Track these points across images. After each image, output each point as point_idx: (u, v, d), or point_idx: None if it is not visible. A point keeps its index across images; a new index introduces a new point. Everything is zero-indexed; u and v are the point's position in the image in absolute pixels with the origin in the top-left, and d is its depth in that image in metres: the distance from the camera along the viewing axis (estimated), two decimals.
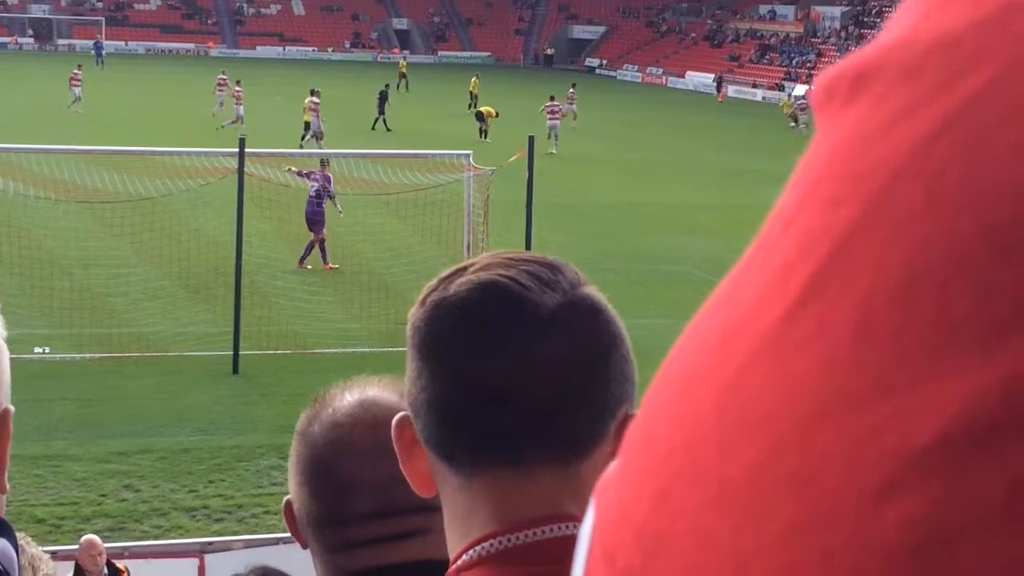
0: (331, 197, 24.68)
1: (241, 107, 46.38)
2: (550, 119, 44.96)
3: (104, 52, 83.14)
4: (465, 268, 1.44)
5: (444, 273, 1.45)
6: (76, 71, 53.09)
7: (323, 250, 24.40)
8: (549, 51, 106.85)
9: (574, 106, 53.66)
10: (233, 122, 44.31)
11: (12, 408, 1.66)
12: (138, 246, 23.25)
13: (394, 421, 1.44)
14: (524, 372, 1.36)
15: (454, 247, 21.59)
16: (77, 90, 52.08)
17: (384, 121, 49.28)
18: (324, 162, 25.47)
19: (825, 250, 0.45)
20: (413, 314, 1.42)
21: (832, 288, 0.45)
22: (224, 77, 52.51)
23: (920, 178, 0.43)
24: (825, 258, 0.45)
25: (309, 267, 24.28)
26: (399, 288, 19.87)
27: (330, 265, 24.22)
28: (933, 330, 0.41)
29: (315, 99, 42.02)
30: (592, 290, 1.45)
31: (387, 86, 52.82)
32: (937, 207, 0.42)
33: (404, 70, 71.45)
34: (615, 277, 24.99)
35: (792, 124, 59.18)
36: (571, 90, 55.66)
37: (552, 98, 46.40)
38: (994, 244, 0.40)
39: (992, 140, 0.40)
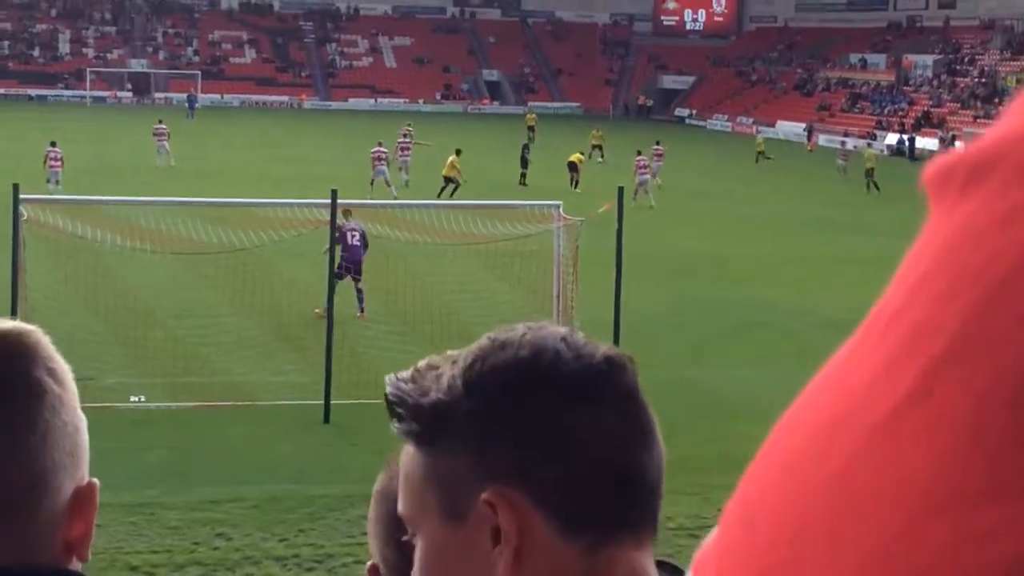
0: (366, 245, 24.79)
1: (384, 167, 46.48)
2: (640, 174, 44.65)
3: (197, 105, 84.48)
4: (559, 346, 1.44)
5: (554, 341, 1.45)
6: (159, 126, 52.44)
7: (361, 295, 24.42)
8: (648, 102, 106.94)
9: (660, 163, 50.52)
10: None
11: (97, 481, 1.71)
12: (231, 296, 23.54)
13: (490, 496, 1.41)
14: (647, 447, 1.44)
15: (543, 297, 21.64)
16: (165, 144, 51.38)
17: (524, 176, 49.17)
18: (347, 211, 25.23)
19: (938, 344, 0.44)
20: (509, 370, 1.43)
21: (946, 385, 0.43)
22: (161, 127, 51.69)
23: None
24: (938, 352, 0.44)
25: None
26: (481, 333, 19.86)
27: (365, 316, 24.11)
28: None
29: (381, 149, 43.49)
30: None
31: (529, 139, 53.36)
32: None
33: (532, 123, 70.61)
34: (702, 329, 24.88)
35: (760, 160, 60.79)
36: (656, 146, 52.35)
37: (639, 153, 46.42)
38: None
39: None
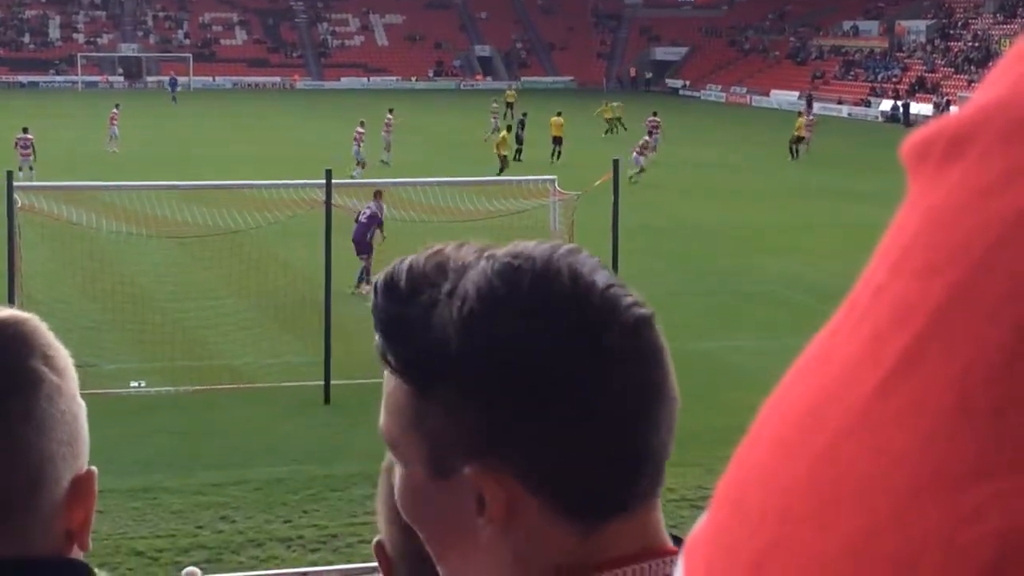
0: (379, 226, 24.74)
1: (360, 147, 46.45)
2: (638, 153, 43.61)
3: (179, 88, 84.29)
4: (584, 297, 1.26)
5: (570, 297, 1.25)
6: (114, 110, 51.97)
7: (365, 273, 24.19)
8: (647, 74, 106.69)
9: (654, 137, 49.12)
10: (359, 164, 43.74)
11: (95, 469, 1.69)
12: (228, 279, 23.55)
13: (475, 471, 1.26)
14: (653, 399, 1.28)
15: None
16: (115, 129, 50.50)
17: (520, 152, 48.76)
18: (378, 192, 25.31)
19: (920, 321, 0.44)
20: (517, 325, 1.23)
21: (928, 362, 0.43)
22: (116, 111, 51.16)
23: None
24: (920, 329, 0.44)
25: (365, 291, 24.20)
26: None
27: (361, 291, 23.79)
28: None
29: (360, 128, 43.44)
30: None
31: (524, 115, 53.12)
32: None
33: (512, 100, 69.52)
34: (703, 299, 24.89)
35: (607, 132, 58.50)
36: (652, 117, 51.77)
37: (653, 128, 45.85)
38: None
39: None
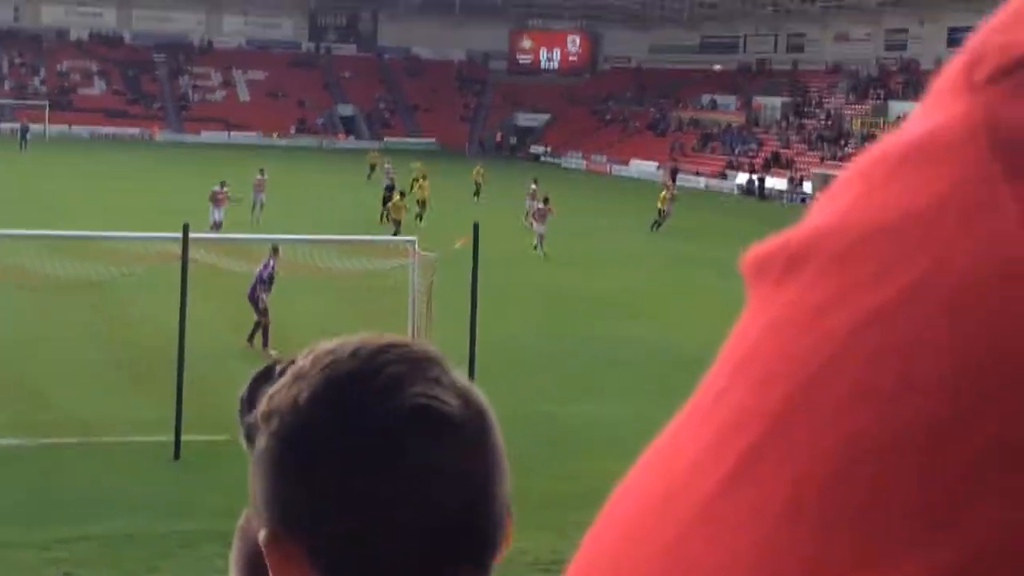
0: (259, 282, 24.57)
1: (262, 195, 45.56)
2: (536, 220, 42.86)
3: (30, 136, 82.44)
4: (361, 380, 1.32)
5: (331, 381, 1.32)
6: None
7: (256, 328, 24.16)
8: (511, 140, 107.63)
9: (536, 202, 48.30)
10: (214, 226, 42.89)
11: None
12: (79, 330, 23.07)
13: (264, 538, 1.33)
14: (453, 485, 1.30)
15: (399, 333, 21.55)
16: None
17: (385, 215, 47.95)
18: (274, 249, 25.15)
19: (758, 428, 0.46)
20: (310, 430, 1.30)
21: (764, 469, 0.46)
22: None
23: (855, 366, 0.44)
24: (758, 436, 0.46)
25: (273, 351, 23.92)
26: None
27: (269, 350, 23.78)
28: (864, 520, 0.42)
29: (217, 188, 41.88)
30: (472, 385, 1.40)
31: (392, 180, 52.48)
32: (871, 397, 0.43)
33: (374, 162, 68.36)
34: (562, 364, 25.01)
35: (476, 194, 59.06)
36: (533, 186, 51.69)
37: (546, 200, 44.22)
38: (932, 438, 0.41)
39: (926, 335, 0.42)
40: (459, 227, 26.58)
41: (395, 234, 38.55)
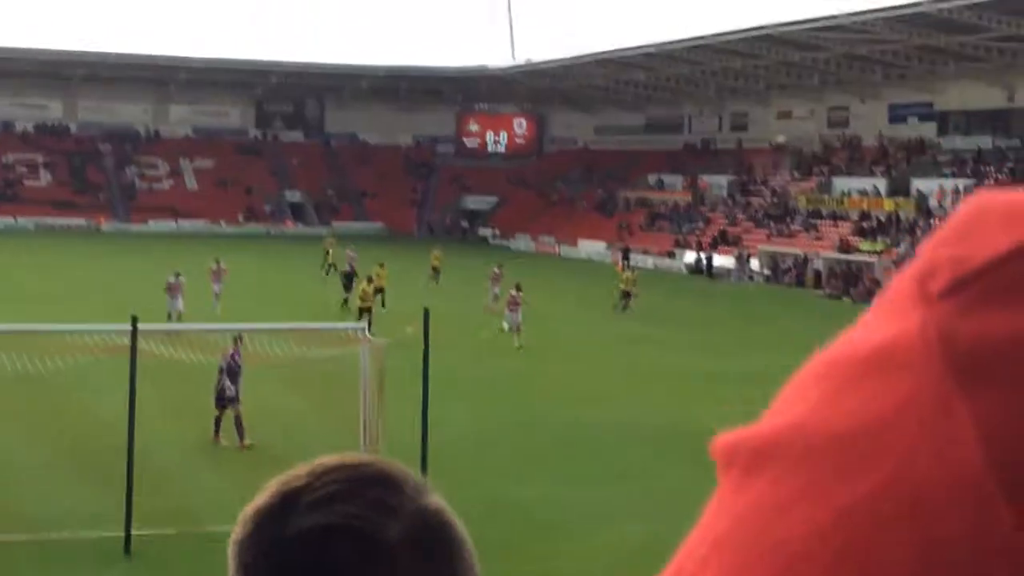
0: (221, 372, 24.27)
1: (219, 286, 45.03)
2: (509, 310, 41.44)
3: None
4: (298, 494, 1.33)
5: (273, 495, 1.34)
6: None
7: (237, 425, 23.88)
8: (463, 223, 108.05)
9: (498, 288, 49.31)
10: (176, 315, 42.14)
11: None
12: (25, 425, 22.75)
13: None
14: None
15: (350, 421, 21.44)
16: None
17: (346, 301, 47.53)
18: (236, 338, 24.82)
19: None
20: (244, 541, 1.33)
21: None
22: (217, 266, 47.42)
23: (819, 564, 0.47)
24: None
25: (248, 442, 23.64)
26: (293, 459, 19.52)
27: (244, 443, 23.59)
28: None
29: (172, 279, 41.26)
30: (438, 501, 1.37)
31: (351, 266, 51.95)
32: None
33: (330, 247, 66.40)
34: (517, 448, 24.91)
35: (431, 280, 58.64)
36: (496, 270, 51.58)
37: (517, 288, 42.47)
38: None
39: (886, 536, 0.45)
40: (418, 311, 26.54)
41: (365, 322, 37.30)
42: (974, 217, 0.51)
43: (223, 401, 23.94)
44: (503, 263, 53.71)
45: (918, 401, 0.46)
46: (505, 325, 40.45)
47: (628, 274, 53.15)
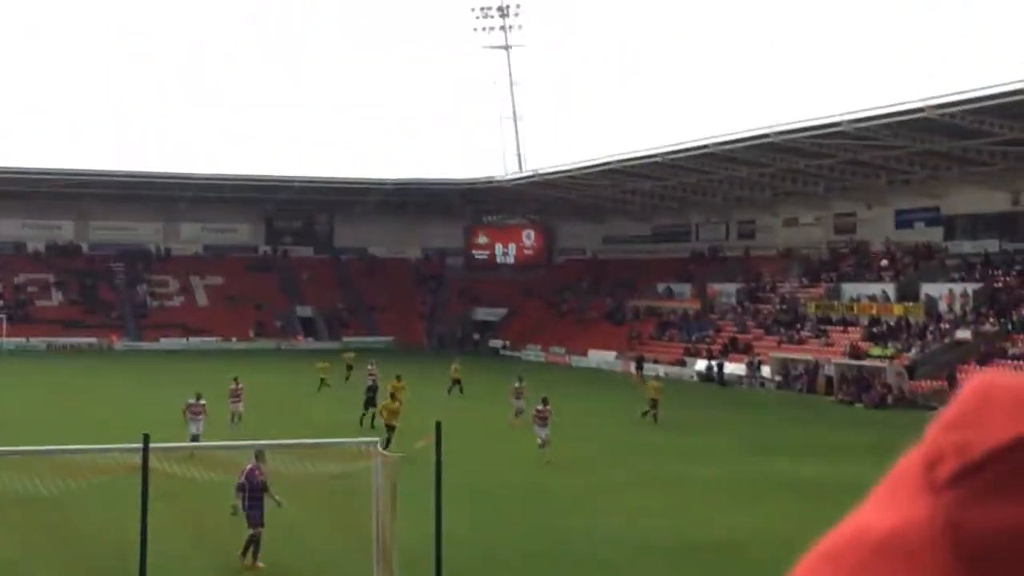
0: (238, 489, 23.94)
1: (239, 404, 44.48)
2: (537, 425, 40.02)
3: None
4: None
5: None
6: None
7: (255, 545, 23.40)
8: (475, 335, 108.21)
9: (521, 401, 48.94)
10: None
11: None
12: (33, 548, 22.60)
13: None
14: None
15: (363, 535, 21.31)
16: None
17: (372, 416, 46.37)
18: (258, 454, 24.43)
19: None
20: None
21: None
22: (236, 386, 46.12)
23: None
24: None
25: (261, 564, 23.21)
26: None
27: (257, 564, 23.23)
28: None
29: (192, 401, 39.55)
30: None
31: (374, 381, 51.09)
32: None
33: (350, 362, 68.39)
34: (530, 561, 24.70)
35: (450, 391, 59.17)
36: (518, 384, 50.67)
37: (545, 402, 40.78)
38: None
39: None
40: (448, 423, 26.46)
41: (388, 440, 36.21)
42: (979, 401, 0.51)
43: (252, 521, 23.36)
44: (523, 376, 53.40)
45: None
46: (539, 440, 39.22)
47: (654, 383, 52.82)
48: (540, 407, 40.35)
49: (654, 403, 50.69)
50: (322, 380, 62.19)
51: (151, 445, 19.09)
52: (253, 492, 23.38)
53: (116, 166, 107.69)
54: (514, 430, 45.74)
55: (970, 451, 0.49)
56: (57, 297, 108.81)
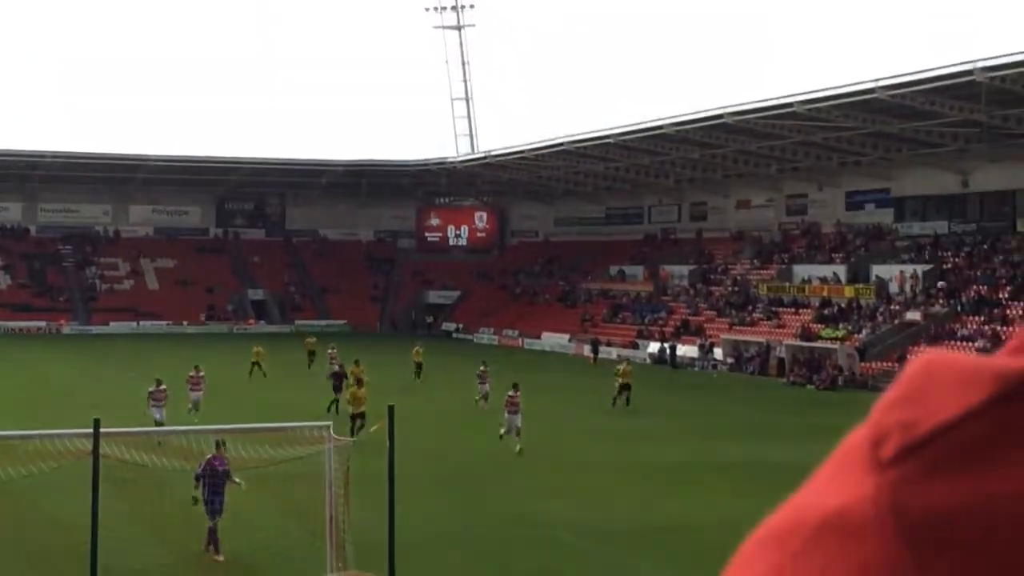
0: (197, 479, 23.55)
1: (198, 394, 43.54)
2: (508, 412, 38.71)
3: None
4: None
5: None
6: None
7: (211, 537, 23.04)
8: (427, 319, 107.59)
9: (487, 385, 49.01)
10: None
11: None
12: None
13: None
14: None
15: (317, 521, 21.20)
16: None
17: (336, 404, 45.15)
18: (219, 443, 23.91)
19: None
20: None
21: None
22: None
23: None
24: None
25: (220, 558, 22.88)
26: (262, 567, 19.33)
27: (218, 557, 22.87)
28: None
29: (152, 388, 39.09)
30: None
31: (340, 366, 49.95)
32: None
33: (312, 347, 67.11)
34: (482, 544, 24.67)
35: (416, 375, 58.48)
36: (483, 367, 50.70)
37: (515, 387, 39.90)
38: None
39: None
40: (408, 408, 26.37)
41: (359, 428, 35.43)
42: (923, 379, 0.52)
43: (211, 511, 23.02)
44: (487, 361, 53.23)
45: (873, 569, 0.46)
46: (502, 429, 38.48)
47: (623, 367, 52.35)
48: (511, 393, 39.30)
49: (625, 387, 50.16)
50: (254, 364, 60.47)
51: (101, 430, 18.88)
52: (215, 481, 23.07)
53: (65, 146, 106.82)
54: (473, 414, 45.60)
55: (915, 428, 0.50)
56: (5, 280, 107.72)
